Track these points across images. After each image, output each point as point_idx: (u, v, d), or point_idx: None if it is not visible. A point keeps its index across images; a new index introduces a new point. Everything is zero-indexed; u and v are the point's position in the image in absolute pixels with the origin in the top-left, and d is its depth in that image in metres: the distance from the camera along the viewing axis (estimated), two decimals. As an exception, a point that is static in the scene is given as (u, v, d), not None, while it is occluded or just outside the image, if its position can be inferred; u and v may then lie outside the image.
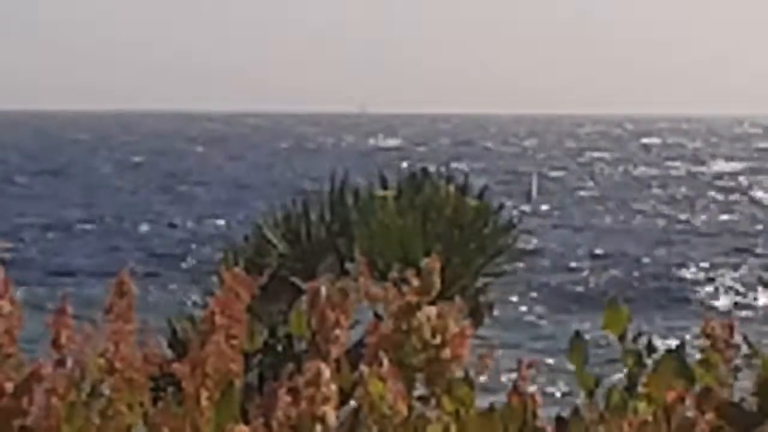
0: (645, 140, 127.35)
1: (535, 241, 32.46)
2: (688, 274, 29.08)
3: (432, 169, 6.60)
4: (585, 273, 29.25)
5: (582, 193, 55.68)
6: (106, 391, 2.92)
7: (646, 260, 31.45)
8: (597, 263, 30.99)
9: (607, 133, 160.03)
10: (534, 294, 24.95)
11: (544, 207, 46.92)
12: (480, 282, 6.11)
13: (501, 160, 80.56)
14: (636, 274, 29.11)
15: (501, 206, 6.45)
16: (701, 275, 28.91)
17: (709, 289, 27.11)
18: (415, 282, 2.80)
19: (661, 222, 43.04)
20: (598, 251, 33.30)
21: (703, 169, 76.28)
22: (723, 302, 25.23)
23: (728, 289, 26.86)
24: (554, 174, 68.88)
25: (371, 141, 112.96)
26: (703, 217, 44.82)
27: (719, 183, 63.54)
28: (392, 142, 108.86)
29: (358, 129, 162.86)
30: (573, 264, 30.79)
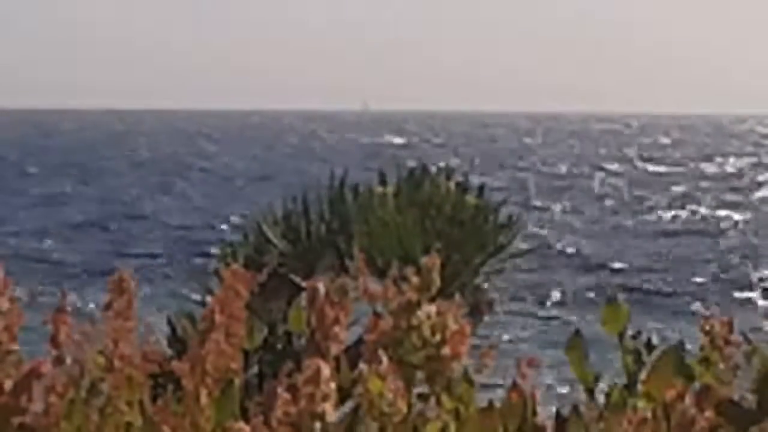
0: (649, 138, 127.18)
1: (542, 238, 32.51)
2: (695, 272, 29.04)
3: (432, 166, 6.59)
4: (590, 271, 29.23)
5: (588, 190, 55.60)
6: (106, 389, 2.92)
7: (653, 258, 31.42)
8: (602, 261, 30.97)
9: (611, 130, 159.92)
10: (538, 292, 24.96)
11: (549, 205, 46.91)
12: (480, 279, 6.11)
13: (506, 157, 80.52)
14: (643, 272, 29.06)
15: (501, 203, 6.45)
16: (707, 273, 28.88)
17: (716, 287, 27.08)
18: (415, 279, 2.79)
19: (669, 219, 43.01)
20: (604, 249, 33.29)
21: (710, 165, 76.15)
22: (728, 300, 25.20)
23: (735, 288, 26.82)
24: (559, 171, 68.84)
25: (376, 138, 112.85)
26: (710, 213, 44.77)
27: (727, 180, 63.47)
28: (397, 140, 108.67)
29: (362, 126, 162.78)
30: (577, 262, 30.78)
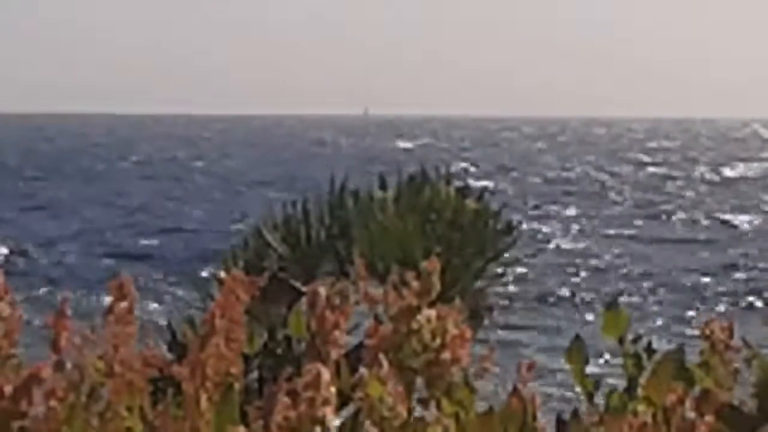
0: (653, 143, 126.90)
1: (549, 241, 32.47)
2: (704, 278, 28.97)
3: (441, 170, 6.58)
4: (598, 275, 29.21)
5: (595, 194, 55.45)
6: (106, 394, 2.92)
7: (658, 263, 31.37)
8: (608, 265, 30.96)
9: (614, 135, 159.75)
10: (543, 295, 24.99)
11: (559, 210, 46.83)
12: (480, 283, 6.11)
13: (513, 162, 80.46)
14: (649, 278, 28.98)
15: (501, 208, 6.45)
16: (717, 278, 28.80)
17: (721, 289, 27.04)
18: (415, 284, 2.80)
19: (677, 223, 42.90)
20: (610, 253, 33.25)
21: (718, 169, 75.82)
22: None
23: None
24: (567, 175, 68.72)
25: (385, 143, 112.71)
26: (719, 218, 44.66)
27: (735, 184, 63.28)
28: (404, 144, 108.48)
29: (368, 131, 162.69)
30: (583, 266, 30.76)
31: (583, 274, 29.50)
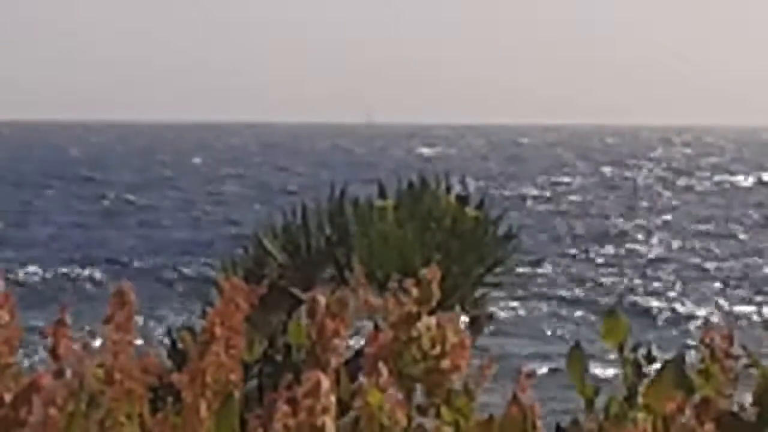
0: (667, 151, 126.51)
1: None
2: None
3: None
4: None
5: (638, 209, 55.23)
6: (105, 402, 2.92)
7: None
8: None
9: (624, 142, 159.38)
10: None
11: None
12: (479, 292, 6.11)
13: (536, 169, 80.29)
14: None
15: (500, 216, 6.45)
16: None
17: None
18: (415, 292, 2.80)
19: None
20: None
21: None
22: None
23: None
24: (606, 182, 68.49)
25: (402, 151, 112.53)
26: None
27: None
28: (426, 151, 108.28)
29: (377, 139, 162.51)
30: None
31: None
